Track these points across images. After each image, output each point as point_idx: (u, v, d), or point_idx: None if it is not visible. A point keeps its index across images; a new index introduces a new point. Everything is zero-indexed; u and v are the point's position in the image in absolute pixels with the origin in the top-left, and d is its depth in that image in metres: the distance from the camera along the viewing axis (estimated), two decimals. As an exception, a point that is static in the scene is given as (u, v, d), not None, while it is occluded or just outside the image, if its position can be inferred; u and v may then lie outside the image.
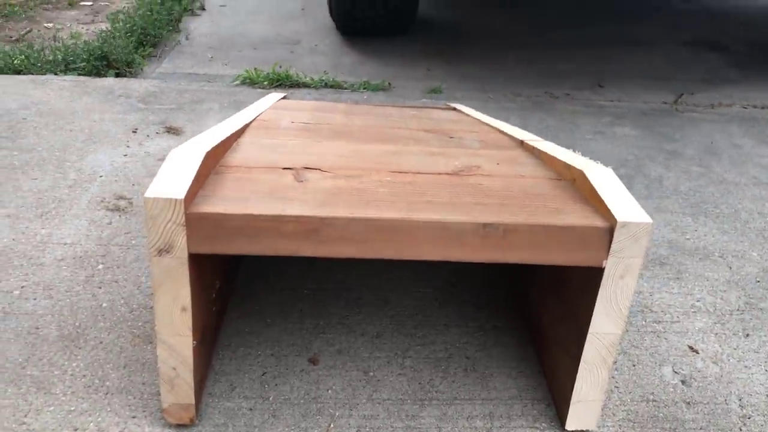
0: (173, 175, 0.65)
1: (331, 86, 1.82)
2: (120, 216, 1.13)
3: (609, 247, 0.66)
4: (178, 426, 0.73)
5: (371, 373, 0.82)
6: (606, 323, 0.69)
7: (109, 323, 0.88)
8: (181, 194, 0.62)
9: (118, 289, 0.95)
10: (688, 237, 1.18)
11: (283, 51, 2.15)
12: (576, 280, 0.73)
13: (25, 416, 0.73)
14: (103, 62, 1.83)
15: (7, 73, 1.77)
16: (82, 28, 2.37)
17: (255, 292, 0.96)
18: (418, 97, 1.80)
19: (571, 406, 0.74)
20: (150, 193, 0.61)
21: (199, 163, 0.68)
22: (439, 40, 2.30)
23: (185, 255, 0.64)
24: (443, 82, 1.91)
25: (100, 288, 0.95)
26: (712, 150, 1.55)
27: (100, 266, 1.00)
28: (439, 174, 0.80)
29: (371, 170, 0.80)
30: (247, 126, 0.99)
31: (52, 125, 1.45)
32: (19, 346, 0.83)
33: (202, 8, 2.55)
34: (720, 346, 0.92)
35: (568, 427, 0.76)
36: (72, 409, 0.75)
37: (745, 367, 0.88)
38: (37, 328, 0.86)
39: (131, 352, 0.83)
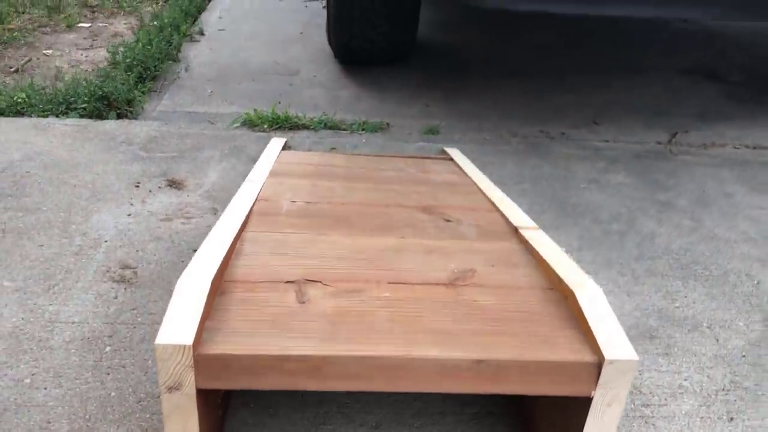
0: (181, 316, 0.68)
1: (330, 127, 1.85)
2: (125, 289, 1.16)
3: (597, 379, 0.69)
4: None
5: (370, 470, 0.86)
6: None
7: (118, 415, 0.92)
8: (189, 340, 0.65)
9: (125, 375, 0.98)
10: (677, 305, 1.22)
11: (282, 83, 2.17)
12: (568, 401, 0.76)
13: None
14: (104, 102, 1.85)
15: (8, 115, 1.79)
16: (81, 54, 2.38)
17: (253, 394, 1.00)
18: (416, 139, 1.82)
19: None
20: (160, 339, 0.65)
21: (205, 298, 0.71)
22: (436, 70, 2.31)
23: (193, 391, 0.67)
24: (441, 120, 1.94)
25: (108, 374, 0.98)
26: (704, 200, 1.58)
27: (108, 348, 1.03)
28: (437, 285, 0.83)
29: (371, 281, 0.83)
30: (250, 212, 1.02)
31: (56, 180, 1.48)
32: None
33: (201, 33, 2.56)
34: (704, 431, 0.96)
35: None
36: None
37: (728, 456, 0.92)
38: (48, 422, 0.90)
39: (140, 449, 0.87)
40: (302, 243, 0.93)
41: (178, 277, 0.78)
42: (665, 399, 1.01)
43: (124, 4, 2.93)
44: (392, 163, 1.48)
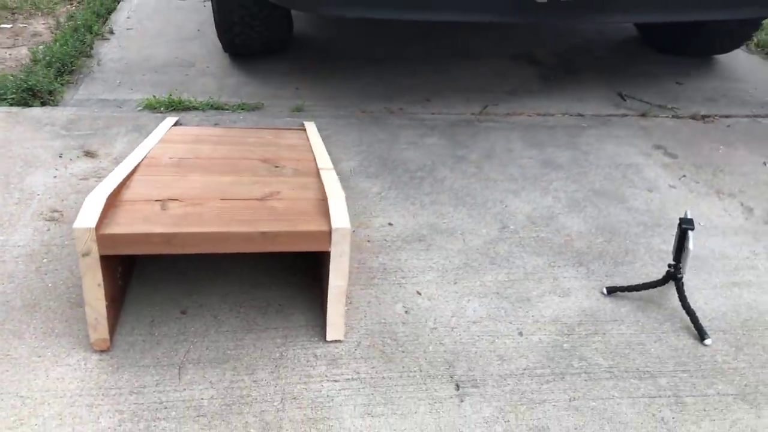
0: (89, 212, 1.18)
1: (216, 108, 2.35)
2: (55, 224, 1.64)
3: (330, 240, 1.24)
4: (101, 352, 1.28)
5: (219, 317, 1.40)
6: (336, 279, 1.28)
7: (54, 296, 1.41)
8: (93, 224, 1.16)
9: (58, 275, 1.48)
10: (444, 221, 1.79)
11: (180, 74, 2.64)
12: (323, 258, 1.31)
13: (8, 351, 1.27)
14: (29, 93, 2.29)
15: (-51, 106, 2.21)
16: (6, 52, 2.78)
17: (149, 273, 1.51)
18: (286, 115, 2.34)
19: (327, 327, 1.33)
20: (76, 224, 1.15)
21: (103, 204, 1.22)
22: (308, 60, 2.83)
23: (97, 256, 1.18)
24: (307, 101, 2.46)
25: (46, 274, 1.47)
26: (489, 154, 2.17)
27: (44, 260, 1.52)
28: (251, 199, 1.37)
29: (210, 198, 1.35)
30: (139, 164, 1.52)
31: (-5, 153, 1.93)
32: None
33: (111, 32, 2.99)
34: (436, 290, 1.53)
35: (328, 338, 1.35)
36: (35, 346, 1.29)
37: (446, 301, 1.50)
38: (8, 301, 1.39)
39: (70, 312, 1.37)
40: (170, 181, 1.45)
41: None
42: (416, 273, 1.58)
43: (42, 6, 3.31)
44: (256, 132, 2.00)
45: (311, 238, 1.24)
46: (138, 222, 1.23)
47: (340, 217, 1.26)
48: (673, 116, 2.54)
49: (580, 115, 2.51)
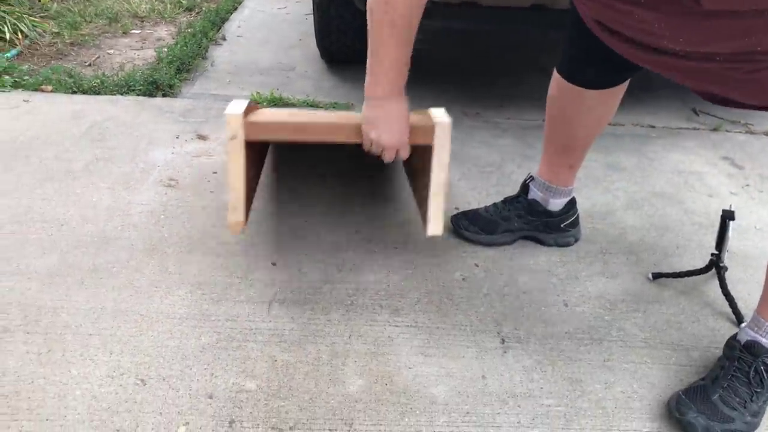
0: (236, 106, 1.38)
1: (311, 105, 2.63)
2: (171, 189, 1.94)
3: (434, 133, 1.37)
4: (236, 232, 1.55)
5: (303, 269, 1.63)
6: (438, 171, 1.37)
7: (168, 244, 1.70)
8: (240, 111, 1.34)
9: (172, 228, 1.76)
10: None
11: (281, 76, 2.95)
12: (426, 153, 1.43)
13: (132, 282, 1.55)
14: (153, 86, 2.65)
15: (90, 93, 2.59)
16: (135, 53, 3.19)
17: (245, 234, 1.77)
18: (371, 114, 2.59)
19: (428, 222, 1.43)
20: (228, 111, 1.34)
21: (246, 104, 1.41)
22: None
23: (243, 140, 1.34)
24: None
25: (163, 227, 1.76)
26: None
27: (162, 216, 1.82)
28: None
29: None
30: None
31: (125, 132, 2.27)
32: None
33: (224, 39, 3.36)
34: (492, 264, 1.71)
35: (428, 233, 1.44)
36: (153, 279, 1.57)
37: (500, 274, 1.67)
38: (132, 245, 1.68)
39: (180, 256, 1.65)
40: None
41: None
42: (476, 250, 1.76)
43: (166, 15, 3.74)
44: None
45: (417, 131, 1.39)
46: (274, 116, 1.50)
47: (440, 115, 1.41)
48: (746, 131, 2.60)
49: (651, 126, 2.61)
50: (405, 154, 1.39)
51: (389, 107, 1.35)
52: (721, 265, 1.60)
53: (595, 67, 1.46)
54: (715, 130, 2.59)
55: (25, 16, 3.26)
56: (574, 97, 1.52)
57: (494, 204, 1.82)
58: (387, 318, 1.50)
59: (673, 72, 1.17)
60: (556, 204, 1.75)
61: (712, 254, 1.62)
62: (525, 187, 1.79)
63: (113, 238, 1.71)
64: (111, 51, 3.20)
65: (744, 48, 0.99)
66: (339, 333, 1.45)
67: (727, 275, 1.65)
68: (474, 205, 1.94)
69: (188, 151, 2.18)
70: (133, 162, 2.09)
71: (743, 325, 1.35)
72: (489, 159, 2.27)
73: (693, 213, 2.00)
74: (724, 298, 1.59)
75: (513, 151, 2.33)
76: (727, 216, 1.55)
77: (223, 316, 1.47)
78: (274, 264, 1.65)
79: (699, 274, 1.64)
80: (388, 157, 1.39)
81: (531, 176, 1.79)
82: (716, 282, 1.63)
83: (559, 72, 1.56)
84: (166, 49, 3.03)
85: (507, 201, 1.81)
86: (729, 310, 1.57)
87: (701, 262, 1.75)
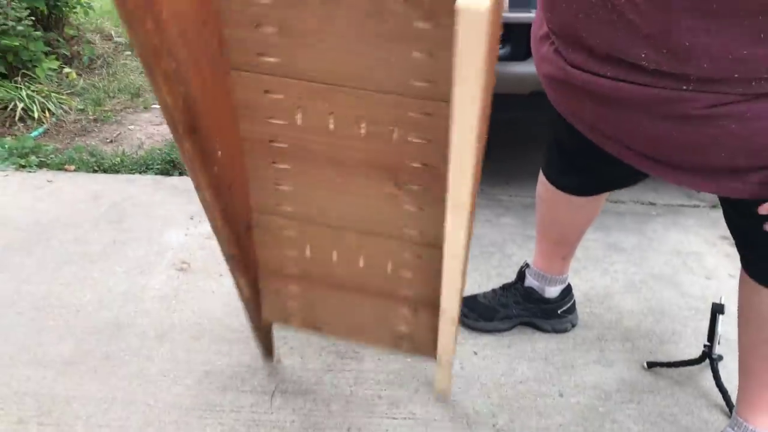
0: None
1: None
2: (183, 273, 2.03)
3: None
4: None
5: (305, 359, 1.69)
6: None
7: (178, 330, 1.77)
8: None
9: (182, 314, 1.84)
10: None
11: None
12: None
13: (142, 370, 1.62)
14: (170, 165, 2.77)
15: (110, 172, 2.72)
16: (154, 129, 3.34)
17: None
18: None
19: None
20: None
21: None
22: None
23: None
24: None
25: (174, 313, 1.84)
26: (557, 235, 2.38)
27: (173, 301, 1.90)
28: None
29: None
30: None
31: (141, 213, 2.38)
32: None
33: (240, 114, 3.51)
34: (490, 351, 1.76)
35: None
36: (162, 368, 1.63)
37: (497, 362, 1.72)
38: (144, 332, 1.76)
39: (190, 344, 1.72)
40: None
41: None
42: (475, 336, 1.81)
43: (185, 89, 3.91)
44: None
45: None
46: None
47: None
48: (745, 208, 2.65)
49: (651, 203, 2.67)
50: None
51: None
52: (714, 356, 1.63)
53: (579, 177, 1.53)
54: (714, 207, 2.64)
55: (53, 94, 3.44)
56: (560, 199, 1.60)
57: (492, 290, 1.88)
58: (385, 410, 1.54)
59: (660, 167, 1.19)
60: (551, 291, 1.81)
61: (705, 345, 1.65)
62: (521, 275, 1.85)
63: (126, 325, 1.79)
64: (132, 127, 3.35)
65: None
66: (338, 426, 1.49)
67: (723, 364, 1.68)
68: (476, 288, 2.00)
69: (201, 233, 2.28)
70: (148, 244, 2.18)
71: (726, 427, 1.38)
72: (492, 238, 2.34)
73: (690, 296, 2.04)
74: (718, 389, 1.62)
75: (514, 231, 2.40)
76: (717, 310, 1.59)
77: (228, 406, 1.53)
78: (278, 361, 1.71)
79: (693, 364, 1.68)
80: None
81: (527, 263, 1.85)
82: (711, 372, 1.67)
83: (545, 176, 1.63)
84: (184, 127, 3.16)
85: (505, 288, 1.87)
86: (723, 402, 1.60)
87: (696, 349, 1.79)
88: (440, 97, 1.03)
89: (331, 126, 1.12)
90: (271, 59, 1.06)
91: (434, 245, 1.23)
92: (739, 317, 1.37)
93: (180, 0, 0.95)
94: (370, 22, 0.98)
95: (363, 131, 1.11)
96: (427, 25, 0.96)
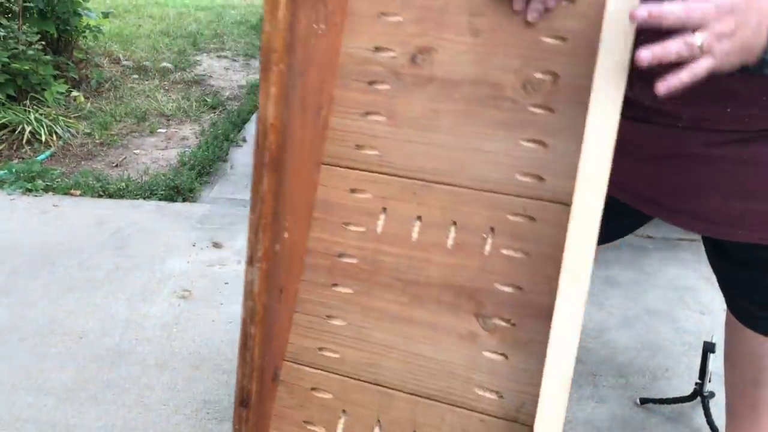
0: None
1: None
2: (184, 301, 2.06)
3: None
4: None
5: None
6: None
7: (179, 359, 1.80)
8: None
9: (183, 342, 1.87)
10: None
11: (296, 179, 3.11)
12: None
13: (142, 399, 1.65)
14: (174, 190, 2.82)
15: (115, 198, 2.77)
16: (160, 153, 3.39)
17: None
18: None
19: None
20: None
21: None
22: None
23: None
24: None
25: (174, 341, 1.87)
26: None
27: (174, 329, 1.93)
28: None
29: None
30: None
31: (145, 240, 2.42)
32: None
33: (244, 140, 3.56)
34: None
35: None
36: (162, 396, 1.66)
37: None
38: (144, 360, 1.79)
39: (190, 372, 1.75)
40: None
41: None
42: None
43: (191, 114, 3.97)
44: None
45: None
46: None
47: None
48: (741, 243, 2.68)
49: (649, 237, 2.71)
50: None
51: None
52: (705, 394, 1.65)
53: None
54: (711, 241, 2.67)
55: (60, 117, 3.50)
56: None
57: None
58: None
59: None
60: (547, 327, 1.83)
61: (696, 383, 1.67)
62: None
63: (127, 352, 1.81)
64: (137, 151, 3.40)
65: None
66: (333, 458, 1.52)
67: (714, 401, 1.70)
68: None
69: (203, 260, 2.31)
70: (150, 271, 2.22)
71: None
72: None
73: (684, 332, 2.07)
74: (709, 426, 1.64)
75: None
76: (708, 348, 1.62)
77: (226, 437, 1.56)
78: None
79: (685, 401, 1.70)
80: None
81: None
82: (702, 409, 1.69)
83: None
84: (189, 152, 3.22)
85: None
86: (714, 440, 1.62)
87: (689, 385, 1.81)
88: (548, 196, 0.92)
89: (415, 234, 0.96)
90: (371, 152, 0.98)
91: (517, 420, 0.92)
92: (725, 357, 1.39)
93: (313, 70, 0.90)
94: (484, 110, 0.93)
95: (450, 241, 0.94)
96: (542, 111, 0.92)
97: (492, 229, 0.93)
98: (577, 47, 0.91)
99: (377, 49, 1.00)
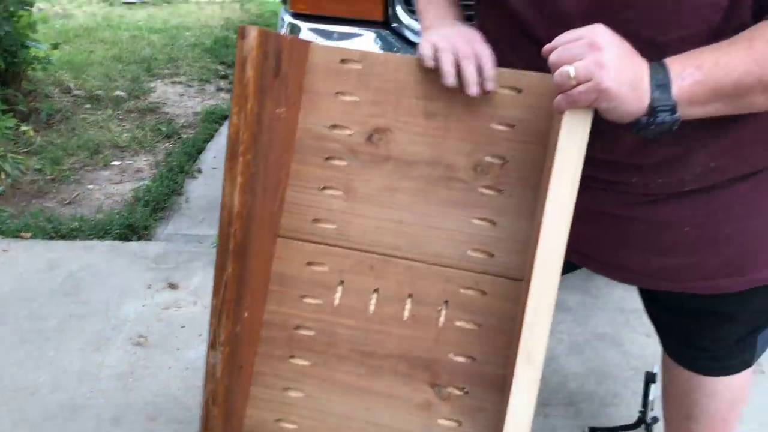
0: None
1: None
2: (140, 348, 2.06)
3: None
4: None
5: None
6: None
7: (134, 411, 1.80)
8: None
9: (139, 393, 1.87)
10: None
11: (252, 211, 3.12)
12: None
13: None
14: (129, 229, 2.80)
15: (67, 239, 2.74)
16: (114, 188, 3.37)
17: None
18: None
19: None
20: None
21: None
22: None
23: None
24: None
25: (130, 392, 1.87)
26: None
27: (130, 379, 1.92)
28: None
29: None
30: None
31: (99, 283, 2.41)
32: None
33: (199, 171, 3.56)
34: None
35: None
36: (144, 419, 1.66)
37: None
38: (99, 414, 1.78)
39: (146, 425, 1.75)
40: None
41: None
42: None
43: (145, 144, 3.94)
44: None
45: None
46: None
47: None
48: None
49: (597, 258, 2.79)
50: (489, 66, 0.96)
51: (450, 29, 1.03)
52: (649, 421, 1.72)
53: None
54: (657, 260, 2.77)
55: (9, 154, 3.44)
56: None
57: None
58: None
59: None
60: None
61: (639, 411, 1.74)
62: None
63: (81, 407, 1.81)
64: (91, 186, 3.37)
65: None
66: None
67: (659, 426, 1.77)
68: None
69: (159, 303, 2.31)
70: (105, 317, 2.21)
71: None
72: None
73: (631, 356, 2.14)
74: (653, 453, 1.71)
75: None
76: (649, 379, 1.69)
77: (182, 491, 1.57)
78: None
79: (631, 429, 1.77)
80: (467, 73, 0.95)
81: None
82: (649, 435, 1.76)
83: None
84: (143, 187, 3.20)
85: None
86: (658, 466, 1.69)
87: (636, 411, 1.88)
88: (497, 271, 0.97)
89: (372, 306, 1.00)
90: (328, 226, 1.02)
91: None
92: (662, 390, 1.46)
93: (274, 151, 0.93)
94: (439, 189, 0.99)
95: (407, 313, 0.99)
96: (491, 192, 0.99)
97: (446, 302, 0.99)
98: (524, 134, 0.99)
99: (334, 126, 1.04)
